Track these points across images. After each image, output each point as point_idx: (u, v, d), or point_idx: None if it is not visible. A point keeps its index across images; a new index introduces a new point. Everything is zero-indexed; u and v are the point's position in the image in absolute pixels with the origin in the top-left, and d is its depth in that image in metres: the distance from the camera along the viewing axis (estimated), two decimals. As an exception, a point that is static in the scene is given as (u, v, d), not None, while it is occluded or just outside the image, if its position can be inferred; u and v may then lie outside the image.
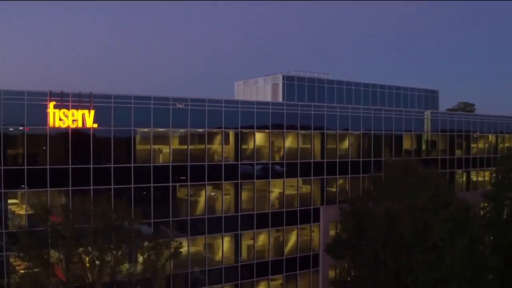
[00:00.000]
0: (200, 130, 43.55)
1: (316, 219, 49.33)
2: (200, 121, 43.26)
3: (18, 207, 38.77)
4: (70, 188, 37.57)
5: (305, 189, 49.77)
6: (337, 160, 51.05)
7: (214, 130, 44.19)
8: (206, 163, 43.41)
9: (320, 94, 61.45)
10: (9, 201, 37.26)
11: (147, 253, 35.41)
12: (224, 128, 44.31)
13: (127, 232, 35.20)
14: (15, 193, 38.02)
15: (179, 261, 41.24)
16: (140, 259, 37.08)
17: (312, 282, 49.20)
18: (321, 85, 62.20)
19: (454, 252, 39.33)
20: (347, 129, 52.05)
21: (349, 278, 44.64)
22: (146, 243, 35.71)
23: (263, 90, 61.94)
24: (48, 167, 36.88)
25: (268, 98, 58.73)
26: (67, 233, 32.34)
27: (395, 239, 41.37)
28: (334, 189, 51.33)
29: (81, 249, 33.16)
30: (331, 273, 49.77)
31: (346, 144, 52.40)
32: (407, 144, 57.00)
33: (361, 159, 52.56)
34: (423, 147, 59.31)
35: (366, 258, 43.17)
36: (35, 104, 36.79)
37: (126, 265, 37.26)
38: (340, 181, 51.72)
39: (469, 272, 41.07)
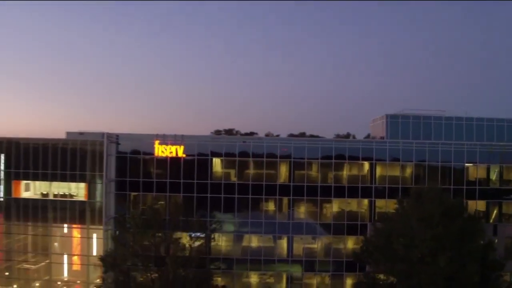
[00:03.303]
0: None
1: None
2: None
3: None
4: (168, 194, 59.41)
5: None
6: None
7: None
8: (264, 183, 60.25)
9: (427, 131, 70.68)
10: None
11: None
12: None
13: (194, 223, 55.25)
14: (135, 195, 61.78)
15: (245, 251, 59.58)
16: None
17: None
18: (427, 122, 71.21)
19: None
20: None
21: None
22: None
23: (380, 127, 74.33)
24: (154, 180, 59.50)
25: (382, 134, 71.41)
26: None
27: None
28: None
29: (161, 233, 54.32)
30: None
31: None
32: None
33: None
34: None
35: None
36: (148, 142, 59.74)
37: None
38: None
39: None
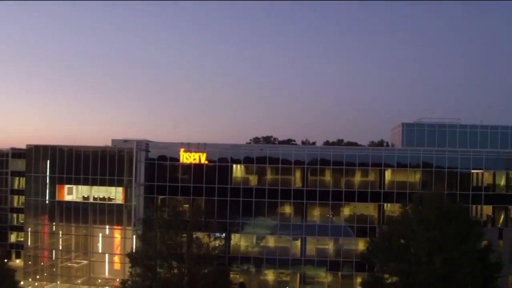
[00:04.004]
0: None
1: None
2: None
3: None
4: (191, 197, 65.35)
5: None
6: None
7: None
8: (280, 188, 65.29)
9: (441, 138, 74.46)
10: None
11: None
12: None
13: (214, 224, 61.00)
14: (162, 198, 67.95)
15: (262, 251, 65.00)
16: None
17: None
18: (442, 130, 75.16)
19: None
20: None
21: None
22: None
23: (397, 135, 78.56)
24: (179, 184, 65.63)
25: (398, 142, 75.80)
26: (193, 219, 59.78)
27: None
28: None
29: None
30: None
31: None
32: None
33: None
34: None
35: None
36: (174, 149, 65.98)
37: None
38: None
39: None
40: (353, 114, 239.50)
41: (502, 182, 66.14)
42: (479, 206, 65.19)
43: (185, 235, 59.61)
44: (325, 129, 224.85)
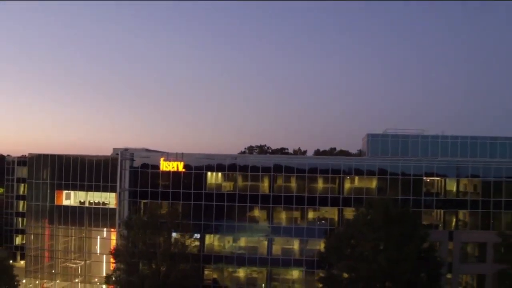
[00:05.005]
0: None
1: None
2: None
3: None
4: (170, 201, 72.84)
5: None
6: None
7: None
8: (249, 193, 72.37)
9: (404, 148, 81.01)
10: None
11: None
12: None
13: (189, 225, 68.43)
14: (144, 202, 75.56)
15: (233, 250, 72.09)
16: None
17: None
18: (405, 140, 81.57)
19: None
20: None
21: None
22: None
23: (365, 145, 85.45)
24: (160, 190, 73.25)
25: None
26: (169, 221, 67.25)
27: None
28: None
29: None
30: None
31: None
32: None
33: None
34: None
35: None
36: (155, 158, 73.70)
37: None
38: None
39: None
40: (346, 123, 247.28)
41: (453, 188, 72.19)
42: (436, 211, 71.57)
43: (162, 235, 67.21)
44: (318, 137, 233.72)
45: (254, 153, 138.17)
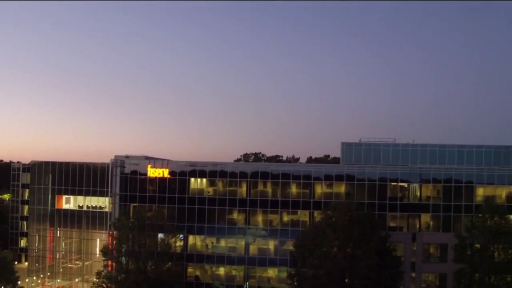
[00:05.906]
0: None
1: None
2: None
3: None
4: (157, 204, 79.67)
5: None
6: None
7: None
8: (227, 197, 78.86)
9: (376, 156, 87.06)
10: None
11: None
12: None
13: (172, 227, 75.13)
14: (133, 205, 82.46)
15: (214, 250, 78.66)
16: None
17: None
18: (377, 148, 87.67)
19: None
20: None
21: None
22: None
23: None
24: (147, 194, 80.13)
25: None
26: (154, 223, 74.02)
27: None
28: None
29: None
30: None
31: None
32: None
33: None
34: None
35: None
36: (143, 165, 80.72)
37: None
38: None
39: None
40: (342, 130, 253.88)
41: (417, 193, 77.88)
42: (400, 214, 77.29)
43: (147, 236, 74.04)
44: (312, 145, 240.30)
45: (250, 160, 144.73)
